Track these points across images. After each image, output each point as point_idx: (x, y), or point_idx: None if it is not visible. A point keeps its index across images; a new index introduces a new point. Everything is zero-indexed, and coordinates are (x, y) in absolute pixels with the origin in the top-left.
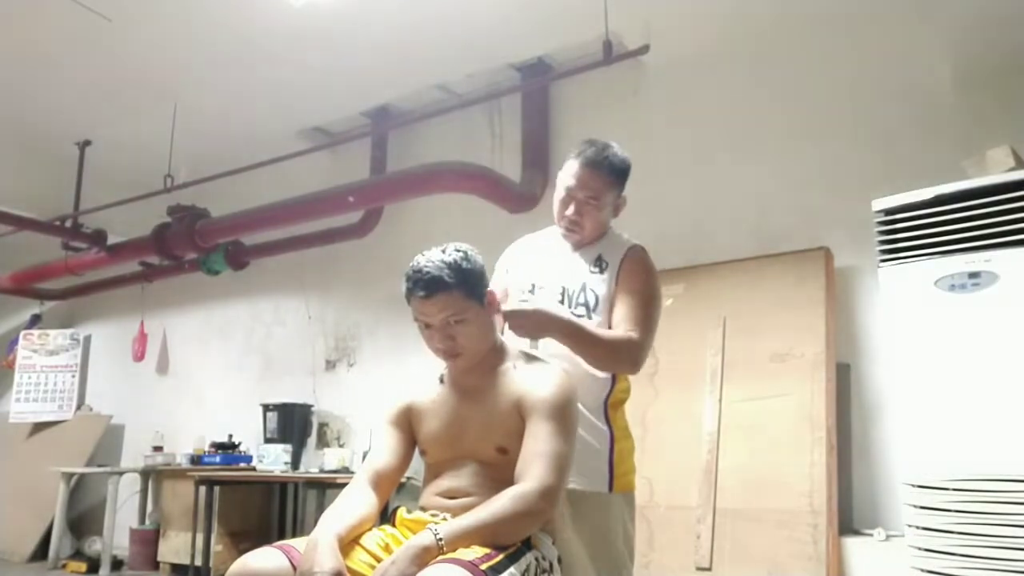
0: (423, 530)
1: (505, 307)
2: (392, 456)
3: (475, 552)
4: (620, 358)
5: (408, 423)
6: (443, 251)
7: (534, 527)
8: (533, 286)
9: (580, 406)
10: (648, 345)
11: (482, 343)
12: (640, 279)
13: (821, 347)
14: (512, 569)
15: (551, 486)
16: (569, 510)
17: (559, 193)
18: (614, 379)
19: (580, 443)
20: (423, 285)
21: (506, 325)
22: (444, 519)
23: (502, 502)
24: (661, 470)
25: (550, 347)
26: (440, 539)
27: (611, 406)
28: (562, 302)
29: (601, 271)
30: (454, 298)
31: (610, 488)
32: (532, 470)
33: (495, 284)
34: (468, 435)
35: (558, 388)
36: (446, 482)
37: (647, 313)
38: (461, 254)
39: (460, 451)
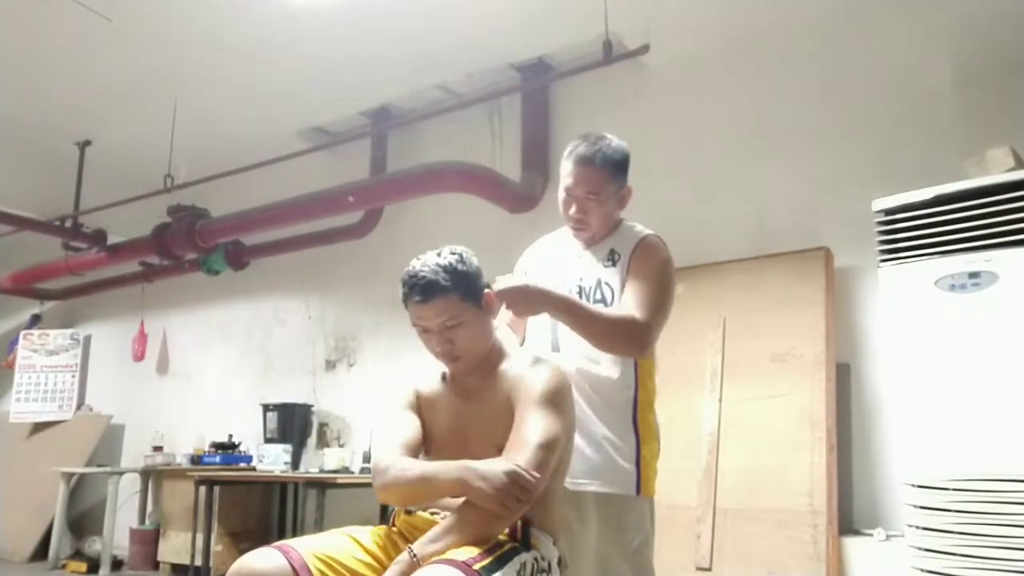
0: (407, 546)
1: (495, 287)
2: (416, 432)
3: (468, 552)
4: (621, 336)
5: (420, 409)
6: (438, 254)
7: (511, 516)
8: None
9: (607, 408)
10: (656, 328)
11: (480, 345)
12: (648, 264)
13: (821, 347)
14: (507, 568)
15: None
16: (596, 514)
17: (560, 194)
18: (637, 379)
19: (608, 445)
20: (419, 290)
21: (506, 309)
22: (444, 518)
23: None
24: (661, 470)
25: (571, 348)
26: (414, 556)
27: (640, 408)
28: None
29: (614, 264)
30: (451, 302)
31: (637, 491)
32: (509, 458)
33: None
34: (471, 437)
35: (547, 379)
36: None
37: (654, 296)
38: (456, 256)
39: (463, 452)
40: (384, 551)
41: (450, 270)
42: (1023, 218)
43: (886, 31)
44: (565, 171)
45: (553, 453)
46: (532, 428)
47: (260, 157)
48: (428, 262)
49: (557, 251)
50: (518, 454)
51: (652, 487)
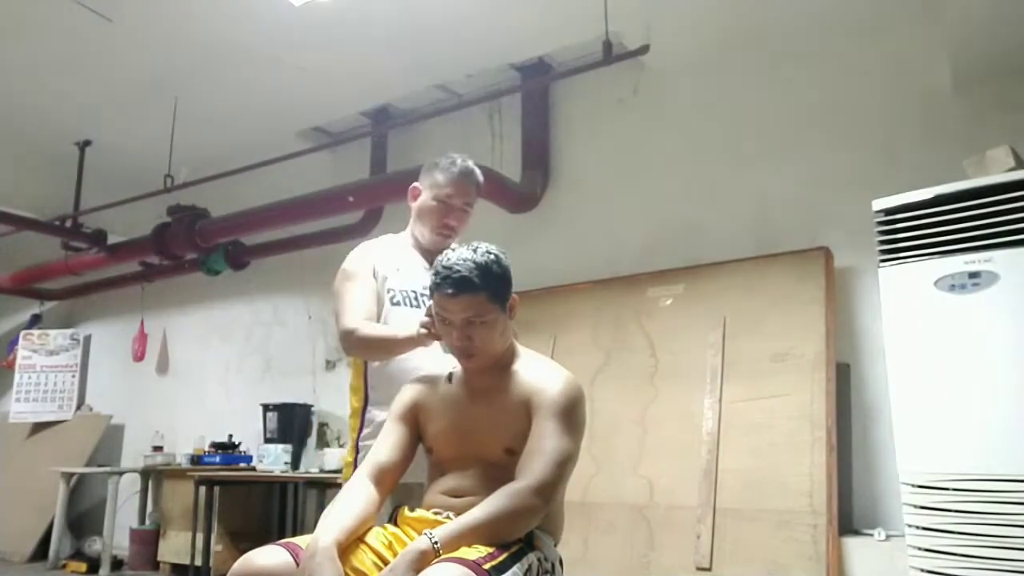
0: (420, 535)
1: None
2: (396, 452)
3: (478, 551)
4: None
5: (415, 420)
6: (475, 251)
7: (530, 523)
8: (415, 292)
9: None
10: None
11: (497, 346)
12: None
13: (821, 347)
14: (515, 568)
15: (545, 483)
16: None
17: (434, 204)
18: None
19: None
20: (451, 283)
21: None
22: (448, 518)
23: (497, 500)
24: (661, 470)
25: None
26: (436, 542)
27: None
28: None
29: None
30: (479, 300)
31: None
32: (529, 467)
33: (361, 283)
34: (476, 435)
35: (566, 388)
36: (451, 481)
37: None
38: (493, 257)
39: (467, 450)
40: (389, 549)
41: (484, 269)
42: (1023, 218)
43: (886, 31)
44: (447, 185)
45: (567, 469)
46: (550, 444)
47: (260, 157)
48: (464, 256)
49: (403, 258)
50: (535, 467)
51: None
